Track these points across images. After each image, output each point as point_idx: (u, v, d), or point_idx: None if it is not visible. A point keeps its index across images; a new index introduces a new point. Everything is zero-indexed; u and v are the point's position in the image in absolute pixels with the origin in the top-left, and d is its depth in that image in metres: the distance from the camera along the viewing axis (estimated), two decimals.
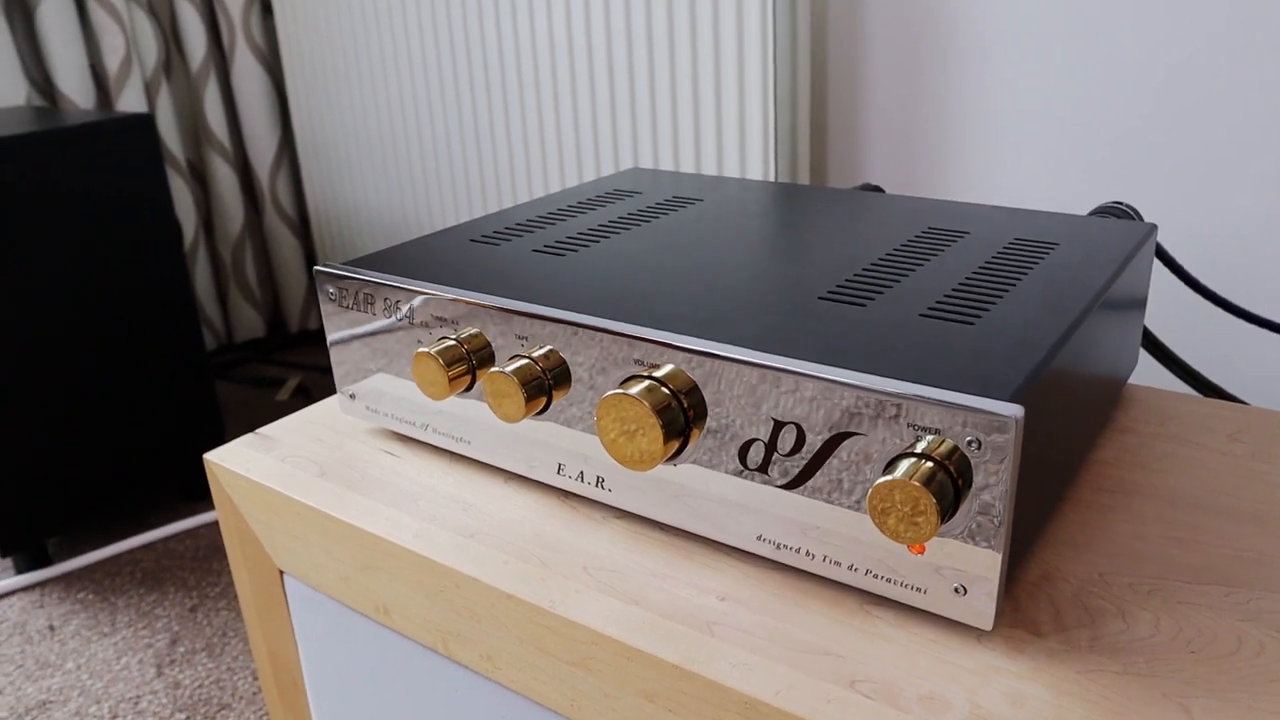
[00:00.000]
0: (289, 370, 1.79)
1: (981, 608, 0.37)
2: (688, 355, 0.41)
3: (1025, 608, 0.40)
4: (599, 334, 0.44)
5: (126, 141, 1.18)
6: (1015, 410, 0.34)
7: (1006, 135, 1.02)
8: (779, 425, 0.40)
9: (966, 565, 0.37)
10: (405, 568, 0.49)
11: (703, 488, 0.43)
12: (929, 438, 0.36)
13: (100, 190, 1.19)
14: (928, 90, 1.06)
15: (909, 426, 0.36)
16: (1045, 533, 0.45)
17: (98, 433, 1.26)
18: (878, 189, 0.77)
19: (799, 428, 0.39)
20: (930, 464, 0.35)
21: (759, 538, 0.43)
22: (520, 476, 0.53)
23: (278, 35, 1.57)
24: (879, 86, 1.10)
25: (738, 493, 0.42)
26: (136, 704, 1.02)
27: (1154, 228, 0.55)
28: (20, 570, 1.25)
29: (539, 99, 1.26)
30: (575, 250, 0.55)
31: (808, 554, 0.41)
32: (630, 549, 0.46)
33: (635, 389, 0.41)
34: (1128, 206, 0.60)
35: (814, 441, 0.39)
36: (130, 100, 1.49)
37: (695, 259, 0.52)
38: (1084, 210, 1.01)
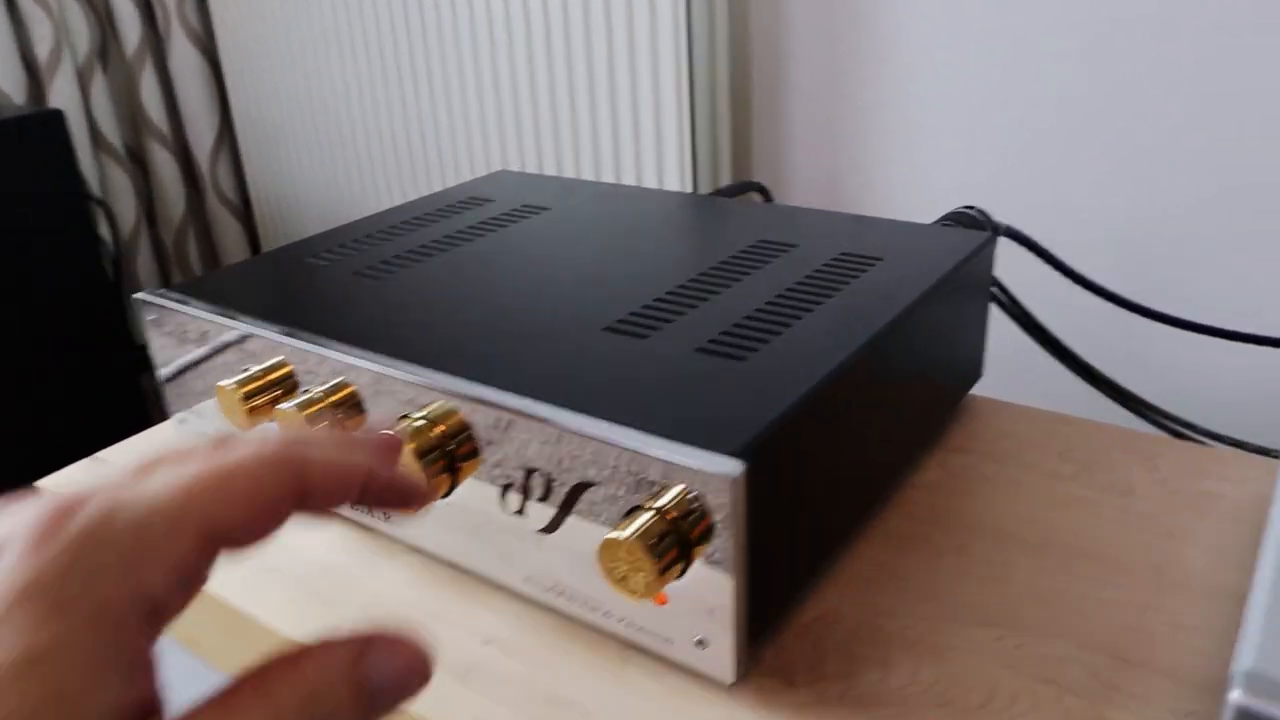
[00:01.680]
0: None
1: (721, 661, 0.36)
2: (452, 397, 0.40)
3: (789, 653, 0.39)
4: (374, 373, 0.43)
5: (38, 138, 1.17)
6: (733, 468, 0.33)
7: (928, 139, 0.99)
8: (529, 471, 0.39)
9: (704, 619, 0.36)
10: (201, 602, 0.48)
11: (480, 525, 0.42)
12: (653, 490, 0.35)
13: (15, 189, 1.17)
14: (853, 90, 1.04)
15: (637, 480, 0.35)
16: (837, 569, 0.44)
17: (24, 435, 1.25)
18: (760, 189, 0.75)
19: (546, 475, 0.38)
20: (655, 517, 0.34)
21: (526, 579, 0.42)
22: None
23: (213, 20, 1.55)
24: (803, 85, 1.07)
25: (506, 534, 0.41)
26: None
27: (991, 235, 0.54)
28: None
29: (478, 82, 1.24)
30: (394, 272, 0.53)
31: (569, 598, 0.40)
32: (414, 585, 0.45)
33: (395, 430, 0.40)
34: (978, 211, 0.59)
35: (559, 489, 0.38)
36: (62, 89, 1.48)
37: (504, 282, 0.51)
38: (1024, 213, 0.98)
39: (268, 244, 1.69)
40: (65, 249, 1.25)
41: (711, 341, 0.42)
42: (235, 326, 0.48)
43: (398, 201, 1.41)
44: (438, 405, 0.41)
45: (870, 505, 0.46)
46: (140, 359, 1.36)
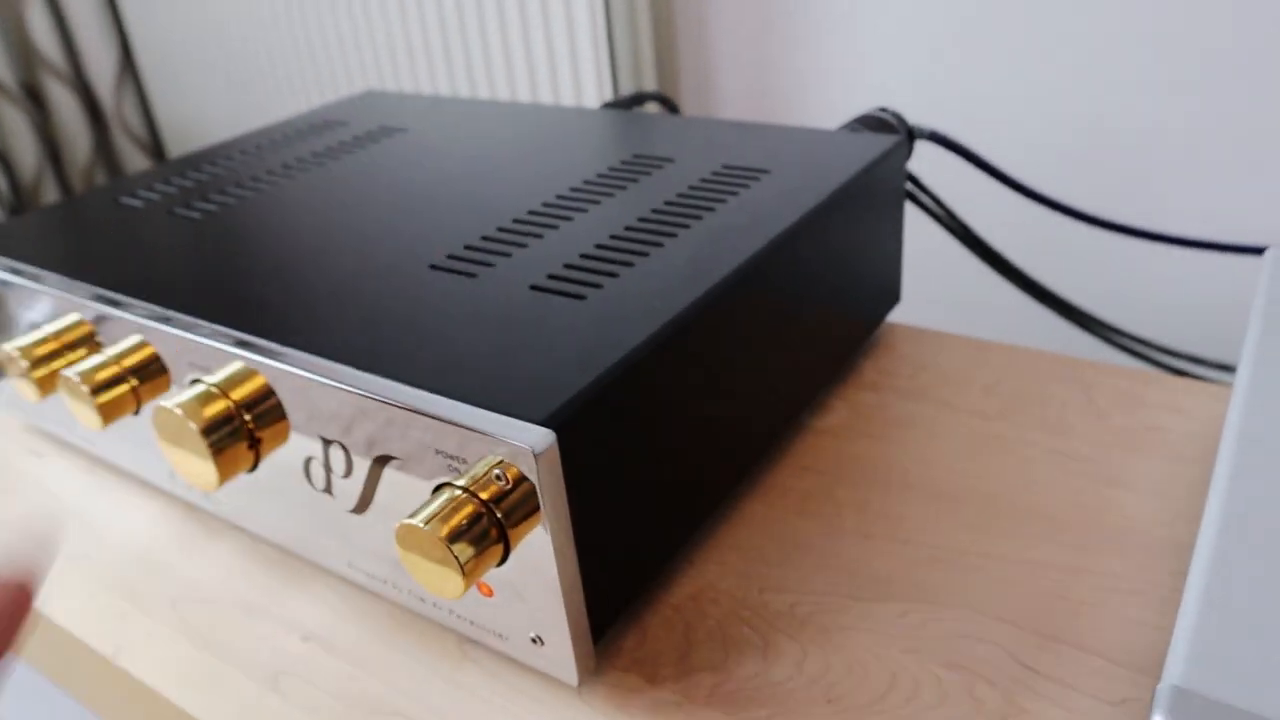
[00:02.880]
0: None
1: (561, 660, 0.30)
2: (245, 358, 0.33)
3: (653, 640, 0.33)
4: (162, 333, 0.36)
5: None
6: (538, 440, 0.26)
7: (854, 37, 0.91)
8: (328, 443, 0.32)
9: (537, 613, 0.30)
10: None
11: (290, 505, 0.36)
12: (454, 464, 0.28)
13: None
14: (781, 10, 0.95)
15: (435, 452, 0.29)
16: (718, 536, 0.38)
17: None
18: (662, 99, 0.68)
19: (344, 447, 0.32)
20: (467, 499, 0.27)
21: (350, 564, 0.35)
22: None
23: None
24: None
25: (321, 515, 0.35)
26: None
27: (903, 139, 0.47)
28: None
29: (384, 3, 1.14)
30: (213, 209, 0.46)
31: (394, 585, 0.34)
32: (237, 572, 0.39)
33: (180, 400, 0.33)
34: (891, 114, 0.52)
35: (360, 464, 0.31)
36: None
37: (333, 219, 0.44)
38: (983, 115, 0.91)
39: None
40: None
41: (550, 278, 0.36)
42: (26, 285, 0.41)
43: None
44: (236, 369, 0.34)
45: (751, 460, 0.39)
46: None
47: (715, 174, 0.44)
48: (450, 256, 0.38)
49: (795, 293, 0.39)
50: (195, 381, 0.34)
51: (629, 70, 1.02)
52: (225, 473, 0.34)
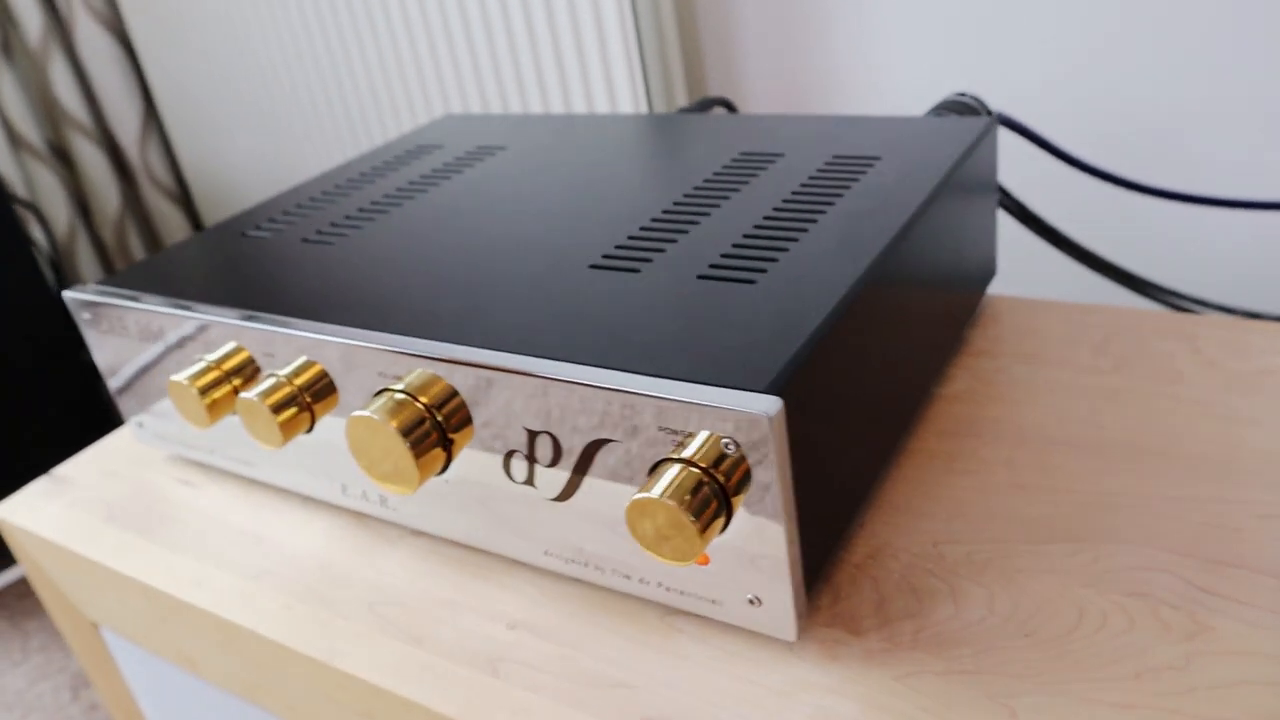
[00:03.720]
0: None
1: (780, 618, 0.32)
2: (432, 362, 0.36)
3: (846, 598, 0.36)
4: (343, 346, 0.38)
5: None
6: (769, 406, 0.29)
7: (881, 20, 0.94)
8: (533, 434, 0.34)
9: (755, 575, 0.32)
10: (193, 619, 0.43)
11: (487, 500, 0.38)
12: (679, 440, 0.31)
13: None
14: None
15: (660, 430, 0.31)
16: (876, 499, 0.40)
17: None
18: (726, 104, 0.70)
19: (553, 436, 0.34)
20: (688, 470, 0.30)
21: (546, 552, 0.37)
22: (313, 498, 0.47)
23: None
24: None
25: (517, 506, 0.37)
26: None
27: (992, 121, 0.50)
28: None
29: (407, 26, 1.17)
30: (346, 234, 0.48)
31: (596, 568, 0.36)
32: (422, 573, 0.41)
33: (374, 406, 0.35)
34: (971, 98, 0.54)
35: (570, 450, 0.34)
36: None
37: (469, 232, 0.46)
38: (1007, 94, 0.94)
39: (209, 225, 1.61)
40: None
41: (713, 267, 0.38)
42: (181, 315, 0.43)
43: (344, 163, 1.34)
44: (417, 374, 0.36)
45: (905, 425, 0.42)
46: (81, 359, 1.30)
47: (829, 164, 0.46)
48: (605, 256, 0.40)
49: (924, 268, 0.42)
50: (384, 391, 0.36)
51: (659, 78, 1.04)
52: (424, 474, 0.36)
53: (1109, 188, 0.82)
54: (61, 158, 1.56)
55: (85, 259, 1.58)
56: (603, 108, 1.07)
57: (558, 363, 0.33)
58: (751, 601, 0.33)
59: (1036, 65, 0.83)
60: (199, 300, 0.44)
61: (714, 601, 0.34)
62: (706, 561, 0.33)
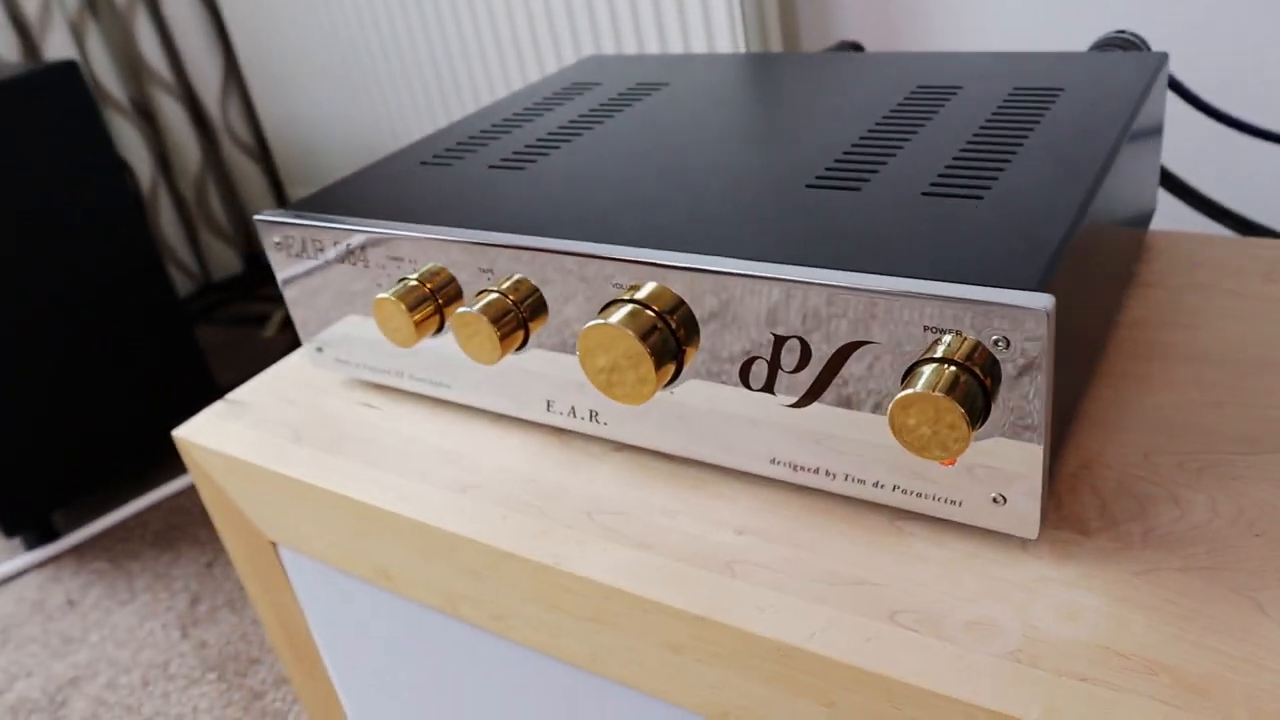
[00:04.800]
0: (272, 304, 1.74)
1: (1024, 515, 0.34)
2: (670, 272, 0.37)
3: (1068, 504, 0.37)
4: (570, 258, 0.39)
5: (51, 93, 1.11)
6: (1045, 301, 0.30)
7: None
8: (780, 340, 0.36)
9: (1003, 473, 0.33)
10: (398, 532, 0.45)
11: (706, 412, 0.40)
12: (948, 338, 0.32)
13: (31, 150, 1.12)
14: None
15: (925, 329, 0.32)
16: (1079, 414, 0.41)
17: (84, 398, 1.22)
18: (856, 46, 0.71)
19: (803, 341, 0.35)
20: (953, 368, 0.31)
21: (773, 460, 0.39)
22: (508, 417, 0.49)
23: None
24: None
25: (745, 414, 0.38)
26: (166, 668, 1.01)
27: (1165, 56, 0.50)
28: (30, 547, 1.23)
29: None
30: (535, 160, 0.50)
31: (827, 474, 0.38)
32: (634, 485, 0.42)
33: (616, 316, 0.37)
34: (1133, 35, 0.55)
35: (821, 354, 0.35)
36: (57, 44, 1.41)
37: (667, 156, 0.47)
38: (1083, 44, 0.94)
39: (290, 185, 1.63)
40: (102, 214, 1.19)
41: (933, 185, 0.39)
42: (388, 232, 0.45)
43: (426, 124, 1.36)
44: (652, 287, 0.38)
45: (1101, 346, 0.43)
46: (183, 311, 1.32)
47: (1012, 95, 0.47)
48: (819, 177, 0.41)
49: (1119, 198, 0.43)
50: (614, 303, 0.38)
51: (755, 22, 1.05)
52: (660, 383, 0.37)
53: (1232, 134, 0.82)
54: (144, 114, 1.58)
55: (165, 213, 1.61)
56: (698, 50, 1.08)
57: (812, 269, 0.34)
58: (995, 500, 0.34)
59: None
60: (398, 219, 0.45)
61: (953, 502, 0.35)
62: (953, 462, 0.34)
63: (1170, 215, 0.81)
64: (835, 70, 0.56)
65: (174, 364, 1.31)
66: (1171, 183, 0.59)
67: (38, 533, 1.23)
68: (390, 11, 1.29)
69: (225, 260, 1.73)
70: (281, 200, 1.76)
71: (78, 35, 1.47)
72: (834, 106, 0.50)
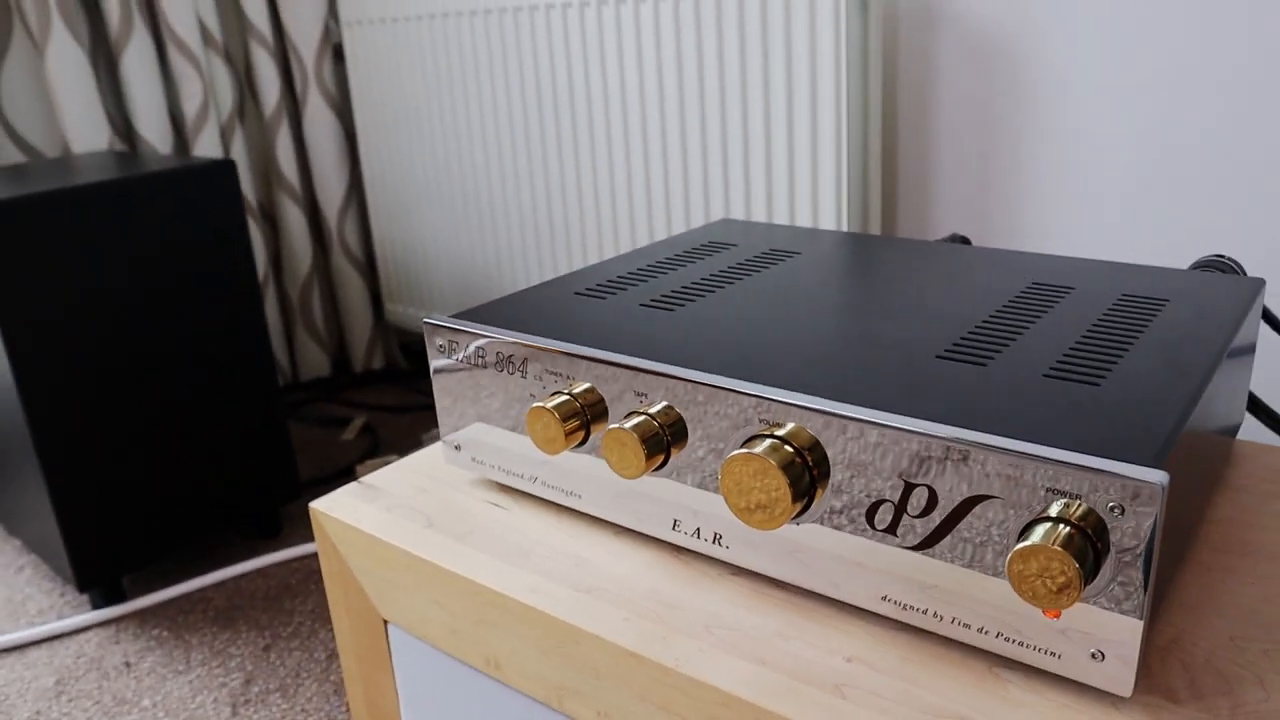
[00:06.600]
0: (354, 409, 1.81)
1: (1120, 674, 0.37)
2: (814, 415, 0.42)
3: (1157, 673, 0.40)
4: (722, 393, 0.44)
5: (208, 186, 1.21)
6: (1161, 476, 0.34)
7: (1086, 182, 1.01)
8: (910, 486, 0.40)
9: (1104, 631, 0.37)
10: (520, 623, 0.49)
11: (823, 547, 0.44)
12: (1062, 501, 0.36)
13: (181, 234, 1.22)
14: (1003, 136, 1.06)
15: (1045, 490, 0.36)
16: (1169, 597, 0.45)
17: (173, 470, 1.28)
18: (965, 240, 0.77)
19: (930, 490, 0.39)
20: (1068, 528, 0.35)
21: (884, 598, 0.43)
22: (631, 531, 0.53)
23: (349, 81, 1.61)
24: (951, 131, 1.10)
25: (862, 553, 0.42)
26: None
27: (1262, 283, 0.55)
28: (97, 606, 1.27)
29: (610, 149, 1.27)
30: (683, 304, 0.55)
31: (935, 615, 0.41)
32: (751, 608, 0.46)
33: (760, 447, 0.41)
34: (1230, 260, 0.60)
35: (946, 503, 0.39)
36: (206, 144, 1.53)
37: (803, 316, 0.52)
38: (1175, 261, 1.00)
39: (390, 301, 1.72)
40: (225, 292, 1.28)
41: (1053, 368, 0.44)
42: (552, 347, 0.50)
43: (531, 265, 1.44)
44: (792, 426, 0.42)
45: (1193, 534, 0.47)
46: (281, 404, 1.39)
47: (1121, 299, 0.53)
48: (947, 350, 0.46)
49: (1218, 401, 0.47)
50: (757, 437, 0.42)
51: (858, 207, 1.12)
52: (793, 512, 0.41)
53: None
54: (268, 217, 1.70)
55: (269, 310, 1.70)
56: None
57: (949, 426, 0.39)
58: (1094, 655, 0.37)
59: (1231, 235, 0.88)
60: (559, 339, 0.51)
61: (1053, 654, 0.38)
62: (1058, 615, 0.38)
63: (1251, 432, 0.84)
64: (953, 258, 0.62)
65: (263, 451, 1.37)
66: (1254, 403, 0.63)
67: (107, 592, 1.27)
68: (503, 155, 1.39)
69: (315, 361, 1.81)
70: (379, 313, 1.85)
71: (225, 137, 1.59)
72: (954, 290, 0.55)
